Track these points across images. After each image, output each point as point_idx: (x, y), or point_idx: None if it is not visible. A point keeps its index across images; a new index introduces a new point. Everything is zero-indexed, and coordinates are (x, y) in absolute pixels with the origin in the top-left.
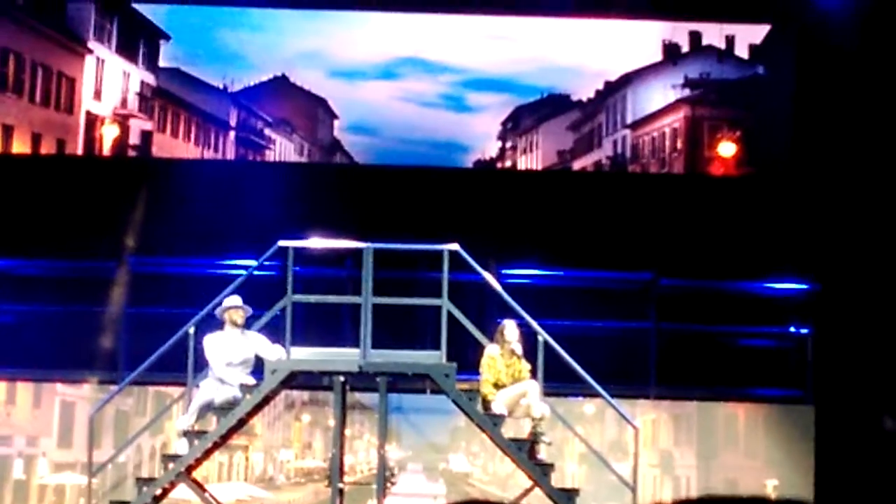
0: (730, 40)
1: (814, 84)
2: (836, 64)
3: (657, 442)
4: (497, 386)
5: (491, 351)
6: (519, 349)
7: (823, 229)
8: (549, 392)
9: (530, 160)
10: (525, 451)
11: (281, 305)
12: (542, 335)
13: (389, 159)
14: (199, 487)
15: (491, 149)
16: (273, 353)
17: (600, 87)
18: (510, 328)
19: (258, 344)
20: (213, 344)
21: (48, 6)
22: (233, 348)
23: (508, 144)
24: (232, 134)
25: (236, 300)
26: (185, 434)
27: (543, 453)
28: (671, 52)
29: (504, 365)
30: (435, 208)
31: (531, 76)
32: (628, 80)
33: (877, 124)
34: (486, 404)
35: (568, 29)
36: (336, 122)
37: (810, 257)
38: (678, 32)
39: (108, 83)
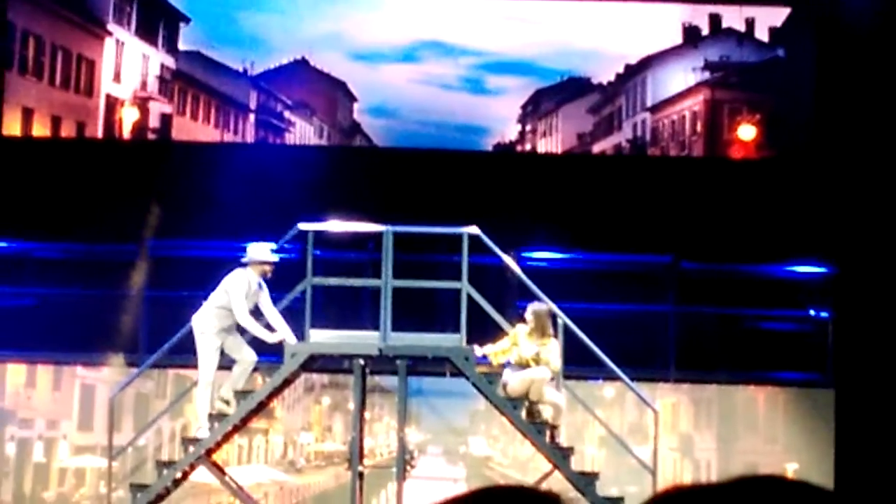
0: (750, 23)
1: (834, 67)
2: (855, 46)
3: (677, 425)
4: (521, 366)
5: (518, 329)
6: (546, 330)
7: (843, 212)
8: (568, 375)
9: (550, 143)
10: (545, 435)
11: (301, 288)
12: (562, 318)
13: (409, 142)
14: (219, 470)
15: (511, 132)
16: (273, 316)
17: (620, 70)
18: (528, 311)
19: (265, 302)
20: (241, 284)
21: None
22: (252, 295)
23: (528, 127)
24: (252, 117)
25: (274, 256)
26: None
27: (563, 437)
28: (691, 35)
29: (531, 344)
30: (455, 191)
31: (551, 59)
32: (648, 63)
33: None
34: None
35: (588, 12)
36: (356, 105)
37: (830, 240)
38: (698, 15)
39: (127, 66)
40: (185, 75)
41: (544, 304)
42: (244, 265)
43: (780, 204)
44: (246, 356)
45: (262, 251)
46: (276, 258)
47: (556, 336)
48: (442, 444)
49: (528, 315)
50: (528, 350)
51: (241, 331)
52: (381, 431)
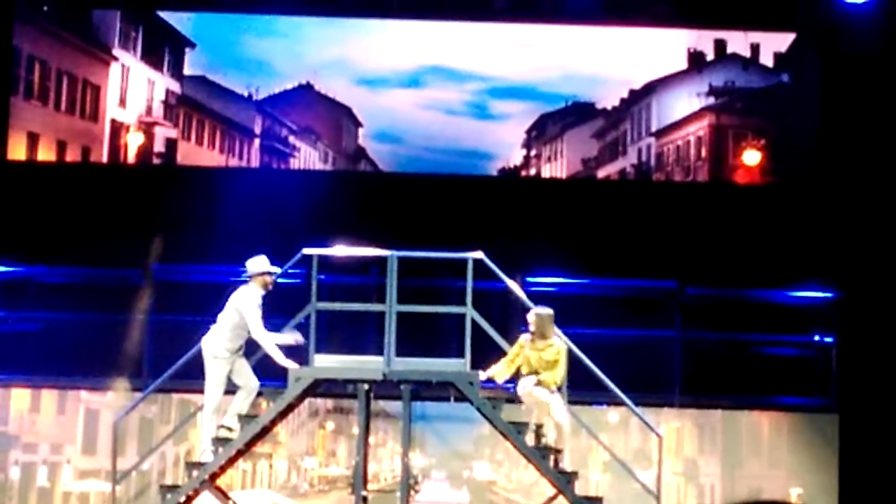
0: (755, 48)
1: (839, 92)
2: (861, 72)
3: (681, 450)
4: (535, 373)
5: (522, 339)
6: (546, 333)
7: (848, 238)
8: (573, 401)
9: (555, 168)
10: (549, 460)
11: (305, 313)
12: (567, 343)
13: (414, 167)
14: (223, 495)
15: (515, 157)
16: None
17: (625, 95)
18: (530, 315)
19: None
20: (252, 299)
21: (73, 14)
22: (261, 309)
23: (533, 152)
24: (257, 142)
25: (273, 267)
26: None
27: (567, 462)
28: (696, 61)
29: (532, 350)
30: (459, 216)
31: (556, 84)
32: (653, 88)
33: None
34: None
35: (593, 37)
36: (361, 130)
37: (834, 266)
38: (703, 40)
39: (133, 91)
40: (190, 100)
41: (545, 308)
42: (246, 282)
43: (784, 229)
44: (250, 382)
45: (261, 263)
46: (276, 269)
47: (556, 339)
48: (446, 468)
49: (530, 317)
50: (532, 356)
51: (246, 355)
52: (385, 456)
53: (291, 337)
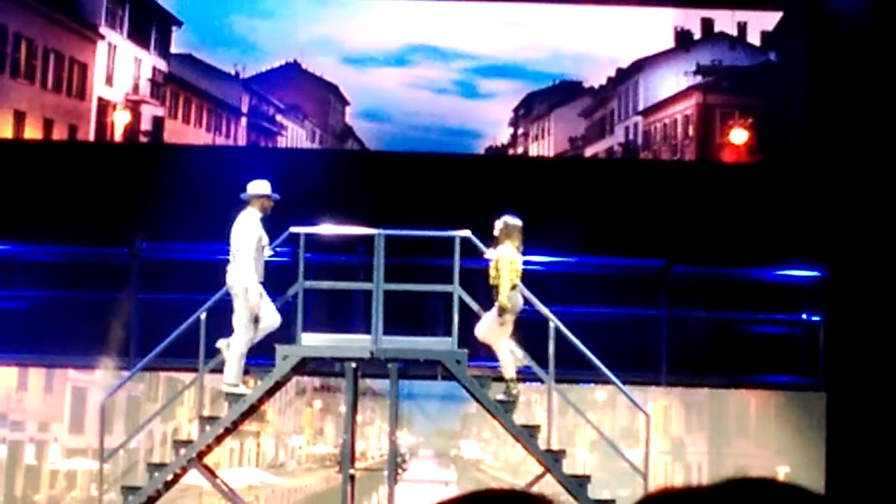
0: (742, 27)
1: (826, 71)
2: (848, 51)
3: (669, 429)
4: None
5: (508, 253)
6: (500, 241)
7: (835, 216)
8: (560, 379)
9: (542, 147)
10: (536, 438)
11: (293, 291)
12: (554, 322)
13: (401, 146)
14: (210, 473)
15: (503, 135)
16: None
17: (612, 73)
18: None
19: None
20: (251, 224)
21: None
22: (261, 233)
23: (520, 131)
24: (243, 120)
25: (272, 192)
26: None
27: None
28: (683, 39)
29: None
30: (446, 195)
31: (543, 63)
32: (640, 66)
33: (889, 112)
34: (503, 311)
35: (580, 15)
36: (348, 109)
37: (822, 244)
38: (690, 19)
39: (119, 69)
40: (177, 78)
41: (510, 217)
42: (245, 202)
43: (772, 207)
44: (273, 318)
45: (261, 186)
46: (275, 195)
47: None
48: (433, 447)
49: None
50: (518, 272)
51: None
52: (372, 434)
53: (256, 290)
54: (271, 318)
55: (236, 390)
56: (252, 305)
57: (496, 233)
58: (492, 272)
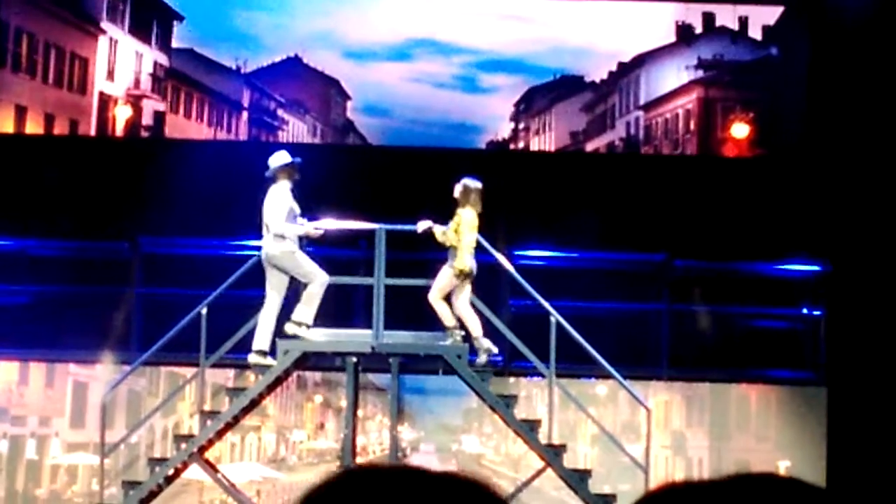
0: (743, 21)
1: (827, 65)
2: (849, 45)
3: (669, 423)
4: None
5: (468, 216)
6: (460, 203)
7: (836, 210)
8: (561, 373)
9: (543, 141)
10: (537, 433)
11: (294, 286)
12: (555, 316)
13: (402, 140)
14: (211, 467)
15: (504, 130)
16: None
17: (613, 68)
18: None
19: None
20: (280, 196)
21: None
22: (292, 204)
23: (521, 125)
24: (245, 115)
25: (293, 158)
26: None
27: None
28: (684, 34)
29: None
30: (448, 189)
31: (544, 57)
32: (641, 61)
33: (890, 106)
34: (464, 275)
35: (581, 10)
36: (349, 103)
37: (823, 239)
38: (691, 13)
39: (121, 64)
40: (178, 73)
41: (470, 179)
42: (272, 179)
43: (773, 202)
44: (320, 276)
45: (281, 156)
46: (297, 159)
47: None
48: (434, 441)
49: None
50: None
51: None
52: (373, 429)
53: (312, 226)
54: (320, 276)
55: (264, 361)
56: (308, 233)
57: (456, 195)
58: (450, 234)
